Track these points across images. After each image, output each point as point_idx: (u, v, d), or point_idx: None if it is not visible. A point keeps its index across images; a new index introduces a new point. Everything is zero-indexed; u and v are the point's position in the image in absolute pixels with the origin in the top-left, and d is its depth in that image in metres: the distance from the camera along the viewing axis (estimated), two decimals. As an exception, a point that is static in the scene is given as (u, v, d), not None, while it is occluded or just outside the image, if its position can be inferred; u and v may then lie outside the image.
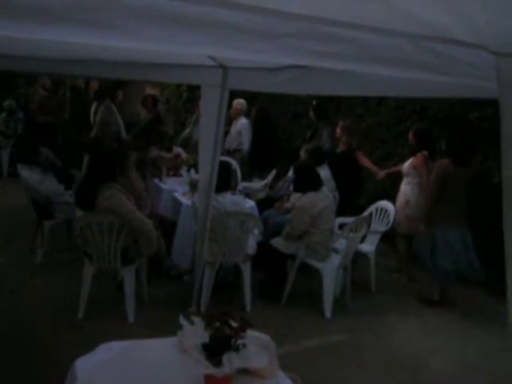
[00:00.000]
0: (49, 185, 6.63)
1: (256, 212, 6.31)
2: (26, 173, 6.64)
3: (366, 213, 6.51)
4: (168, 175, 7.40)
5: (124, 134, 9.95)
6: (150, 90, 13.50)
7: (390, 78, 3.11)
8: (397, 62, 2.14)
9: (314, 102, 8.26)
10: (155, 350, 2.84)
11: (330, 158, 7.10)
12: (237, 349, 2.43)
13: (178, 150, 8.30)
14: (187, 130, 9.96)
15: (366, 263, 6.28)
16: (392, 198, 6.74)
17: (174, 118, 13.65)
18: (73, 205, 6.10)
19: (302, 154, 7.17)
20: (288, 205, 6.53)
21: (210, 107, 4.93)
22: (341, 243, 5.75)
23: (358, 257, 6.24)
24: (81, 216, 5.15)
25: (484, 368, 4.80)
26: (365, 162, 7.52)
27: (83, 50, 3.53)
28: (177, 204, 6.44)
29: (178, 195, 6.57)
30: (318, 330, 5.29)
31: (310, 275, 6.00)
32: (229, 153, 8.56)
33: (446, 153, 5.98)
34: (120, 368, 2.65)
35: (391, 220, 6.29)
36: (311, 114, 8.35)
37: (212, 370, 2.36)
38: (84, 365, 2.62)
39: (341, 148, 7.52)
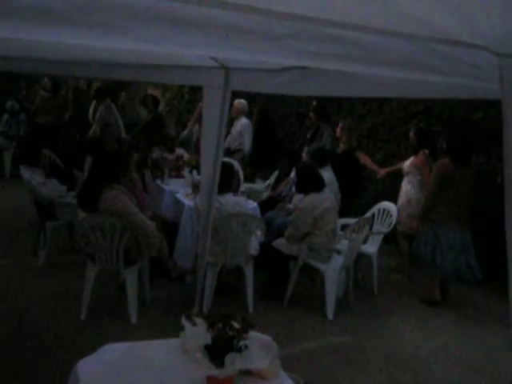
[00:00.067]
0: (51, 186, 6.64)
1: (258, 213, 6.31)
2: (29, 174, 6.66)
3: (368, 214, 6.51)
4: (170, 176, 7.41)
5: (124, 134, 9.97)
6: (152, 91, 13.53)
7: (392, 79, 3.11)
8: (399, 63, 2.14)
9: (314, 103, 8.26)
10: (157, 352, 2.84)
11: (331, 158, 7.11)
12: (239, 350, 2.43)
13: (180, 151, 8.30)
14: (186, 131, 9.98)
15: (368, 264, 6.28)
16: (393, 199, 6.75)
17: (175, 119, 13.68)
18: (75, 206, 6.11)
19: (304, 155, 7.17)
20: (290, 206, 6.54)
21: (212, 108, 4.92)
22: (343, 244, 5.74)
23: (361, 258, 6.24)
24: (83, 217, 5.16)
25: (485, 368, 4.80)
26: (366, 160, 7.55)
27: (84, 52, 3.52)
28: (179, 205, 6.44)
29: (180, 196, 6.57)
30: (320, 331, 5.28)
31: (313, 276, 6.01)
32: (229, 152, 8.57)
33: (446, 152, 5.99)
34: (122, 369, 2.64)
35: (393, 221, 6.29)
36: (311, 114, 8.35)
37: (214, 371, 2.36)
38: (86, 366, 2.62)
39: (341, 148, 7.54)
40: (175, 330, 2.71)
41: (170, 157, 7.88)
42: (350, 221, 5.99)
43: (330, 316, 5.53)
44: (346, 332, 5.32)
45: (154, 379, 2.59)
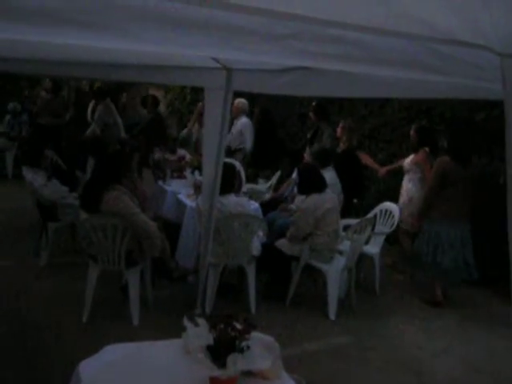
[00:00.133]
0: (53, 187, 6.64)
1: (260, 214, 6.30)
2: (31, 175, 6.66)
3: (370, 214, 6.50)
4: (172, 177, 7.41)
5: (123, 134, 9.99)
6: (153, 92, 13.52)
7: (394, 80, 3.11)
8: (401, 63, 2.14)
9: (314, 103, 8.27)
10: (160, 352, 2.84)
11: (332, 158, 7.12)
12: (241, 350, 2.42)
13: (181, 151, 8.30)
14: (185, 130, 9.98)
15: (370, 265, 6.27)
16: (395, 199, 6.75)
17: (177, 120, 13.68)
18: (77, 207, 6.11)
19: (306, 155, 7.18)
20: (292, 207, 6.53)
21: (213, 109, 4.93)
22: (345, 245, 5.74)
23: (363, 258, 6.23)
24: (85, 218, 5.16)
25: (488, 369, 4.79)
26: (366, 159, 7.57)
27: (86, 53, 3.53)
28: (181, 206, 6.44)
29: (182, 197, 6.57)
30: (322, 332, 5.28)
31: (315, 277, 6.00)
32: (230, 152, 8.56)
33: (447, 150, 6.02)
34: (124, 370, 2.64)
35: (396, 221, 6.28)
36: (311, 114, 8.35)
37: (216, 372, 2.35)
38: (88, 367, 2.62)
39: (341, 147, 7.54)
40: (177, 331, 2.71)
41: (172, 158, 7.88)
42: (352, 221, 5.98)
43: (332, 316, 5.53)
44: (347, 332, 5.31)
45: (155, 380, 2.59)
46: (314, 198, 5.64)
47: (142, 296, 5.19)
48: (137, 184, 5.41)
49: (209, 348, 2.43)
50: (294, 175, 7.09)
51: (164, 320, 4.97)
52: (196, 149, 8.82)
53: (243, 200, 5.83)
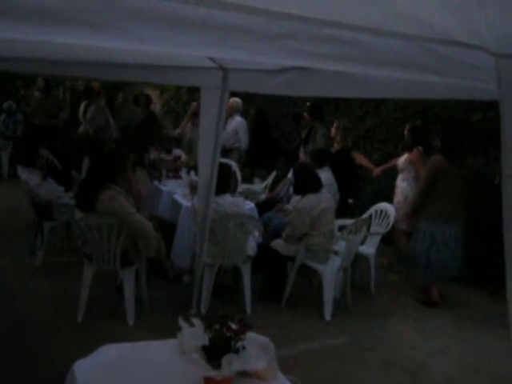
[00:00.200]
0: (49, 187, 6.63)
1: (256, 214, 6.31)
2: (26, 175, 6.64)
3: (365, 215, 6.51)
4: (168, 177, 7.40)
5: (115, 134, 10.00)
6: (149, 92, 13.50)
7: (391, 80, 3.11)
8: (397, 63, 2.14)
9: (308, 103, 8.28)
10: (155, 353, 2.83)
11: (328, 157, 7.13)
12: (236, 351, 2.42)
13: (177, 151, 8.29)
14: (178, 130, 9.98)
15: (366, 265, 6.28)
16: (391, 200, 6.77)
17: (173, 120, 13.66)
18: (72, 206, 6.10)
19: (301, 155, 7.18)
20: (288, 207, 6.53)
21: (209, 109, 4.92)
22: (341, 245, 5.74)
23: (358, 259, 6.24)
24: (80, 217, 5.15)
25: (484, 369, 4.80)
26: (361, 159, 7.59)
27: (82, 52, 3.52)
28: (176, 206, 6.44)
29: (177, 197, 6.56)
30: (318, 332, 5.28)
31: (310, 277, 6.01)
32: (225, 151, 8.55)
33: (440, 150, 6.06)
34: (119, 370, 2.64)
35: (391, 222, 6.29)
36: (305, 114, 8.37)
37: (211, 373, 2.35)
38: (83, 367, 2.62)
39: (336, 147, 7.56)
40: (172, 331, 2.71)
41: (168, 157, 7.87)
42: (348, 222, 5.99)
43: (328, 317, 5.53)
44: (343, 333, 5.32)
45: (150, 380, 2.58)
46: (310, 198, 5.65)
47: (137, 296, 5.18)
48: (132, 183, 5.40)
49: (204, 348, 2.42)
50: (290, 175, 7.09)
51: (159, 320, 4.96)
52: (190, 149, 8.82)
53: (239, 200, 5.83)
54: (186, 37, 1.92)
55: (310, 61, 2.54)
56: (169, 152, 8.07)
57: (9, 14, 1.65)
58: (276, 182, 8.17)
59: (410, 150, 6.70)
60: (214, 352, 2.39)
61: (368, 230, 6.18)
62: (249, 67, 4.23)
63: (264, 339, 2.71)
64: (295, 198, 6.19)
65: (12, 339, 4.63)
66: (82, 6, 1.64)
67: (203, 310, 5.30)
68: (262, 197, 7.72)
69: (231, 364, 2.35)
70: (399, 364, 4.79)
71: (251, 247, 5.60)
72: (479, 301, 6.33)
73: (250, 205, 6.38)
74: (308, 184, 5.76)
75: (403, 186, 6.69)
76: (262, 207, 6.81)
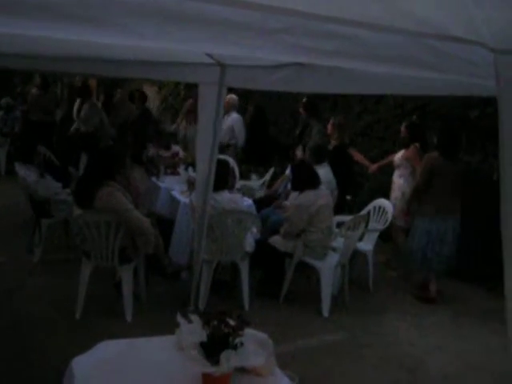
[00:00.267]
0: (46, 183, 6.62)
1: (254, 210, 6.31)
2: (24, 172, 6.63)
3: (363, 211, 6.51)
4: (166, 173, 7.40)
5: (111, 131, 10.01)
6: (148, 89, 13.50)
7: (388, 76, 3.10)
8: (395, 59, 2.14)
9: (304, 99, 8.28)
10: (153, 349, 2.83)
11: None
12: (234, 347, 2.42)
13: (175, 148, 8.29)
14: (174, 126, 9.98)
15: (363, 261, 6.28)
16: (389, 196, 6.77)
17: (171, 117, 13.65)
18: (70, 203, 6.09)
19: (299, 152, 7.18)
20: (287, 203, 6.53)
21: (207, 105, 4.91)
22: (339, 241, 5.74)
23: (356, 255, 6.24)
24: (78, 214, 5.14)
25: (482, 365, 4.81)
26: (357, 156, 7.60)
27: (81, 48, 3.51)
28: (174, 202, 6.44)
29: (175, 193, 6.56)
30: (316, 329, 5.28)
31: (308, 274, 6.01)
32: (222, 147, 8.55)
33: (436, 147, 6.08)
34: (117, 366, 2.64)
35: (389, 218, 6.29)
36: (301, 110, 8.37)
37: (210, 369, 2.35)
38: (81, 363, 2.62)
39: (333, 144, 7.56)
40: (171, 328, 2.71)
41: (166, 154, 7.86)
42: (346, 218, 5.99)
43: (326, 313, 5.53)
44: (341, 329, 5.32)
45: (148, 376, 2.58)
46: (308, 195, 5.65)
47: (135, 292, 5.18)
48: (130, 180, 5.40)
49: (202, 345, 2.42)
50: (288, 171, 7.09)
51: (157, 316, 4.96)
52: (184, 146, 8.82)
53: (237, 196, 5.83)
54: (185, 32, 1.91)
55: (307, 56, 2.53)
56: (167, 148, 8.07)
57: (9, 9, 1.64)
58: (274, 178, 8.17)
59: (406, 146, 6.71)
60: (212, 348, 2.40)
61: (366, 226, 6.18)
62: (246, 63, 4.23)
63: (262, 335, 2.71)
64: (293, 195, 6.19)
65: (10, 336, 4.63)
66: (81, 1, 1.64)
67: (201, 307, 5.30)
68: (260, 193, 7.71)
69: (229, 360, 2.35)
70: (397, 360, 4.80)
71: (249, 243, 5.60)
72: (477, 297, 6.33)
73: (247, 201, 6.38)
74: (306, 180, 5.76)
75: (400, 182, 6.70)
76: (260, 203, 6.81)
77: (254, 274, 5.77)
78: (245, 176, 8.39)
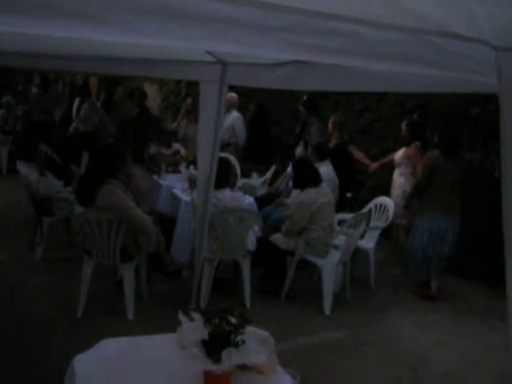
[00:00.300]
0: (48, 182, 6.62)
1: (255, 208, 6.31)
2: (25, 170, 6.63)
3: (365, 209, 6.51)
4: (167, 171, 7.40)
5: (111, 129, 10.01)
6: (148, 87, 13.49)
7: (390, 73, 3.10)
8: (396, 56, 2.13)
9: (305, 97, 8.28)
10: (154, 347, 2.84)
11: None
12: (236, 345, 2.42)
13: (177, 146, 8.28)
14: (175, 124, 9.97)
15: (365, 259, 6.28)
16: (389, 194, 6.77)
17: (172, 114, 13.65)
18: (72, 201, 6.09)
19: (300, 150, 7.18)
20: (288, 201, 6.53)
21: (208, 103, 4.91)
22: (340, 239, 5.74)
23: (358, 253, 6.24)
24: (79, 213, 5.14)
25: (483, 363, 4.81)
26: (358, 154, 7.60)
27: (82, 46, 3.51)
28: (176, 200, 6.43)
29: (177, 191, 6.56)
30: (317, 327, 5.29)
31: (310, 272, 6.01)
32: (222, 146, 8.53)
33: (437, 145, 6.08)
34: (119, 364, 2.64)
35: (390, 216, 6.29)
36: (301, 108, 8.37)
37: (211, 367, 2.35)
38: (83, 362, 2.62)
39: (333, 142, 7.56)
40: (172, 326, 2.71)
41: (167, 152, 7.86)
42: (347, 216, 5.99)
43: (327, 311, 5.54)
44: (342, 327, 5.32)
45: (150, 374, 2.58)
46: (309, 193, 5.65)
47: (136, 290, 5.19)
48: (131, 178, 5.40)
49: (204, 342, 2.42)
50: (289, 169, 7.09)
51: (159, 314, 4.96)
52: (185, 144, 8.82)
53: (238, 195, 5.83)
54: (186, 30, 1.91)
55: (308, 54, 2.54)
56: (168, 146, 8.07)
57: (10, 7, 1.64)
58: (275, 176, 8.17)
59: (407, 144, 6.71)
60: (214, 346, 2.40)
61: (367, 224, 6.18)
62: (247, 61, 4.22)
63: (263, 333, 2.71)
64: (295, 193, 6.19)
65: (12, 334, 4.64)
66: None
67: (203, 305, 5.30)
68: (261, 191, 7.71)
69: (231, 358, 2.35)
70: (398, 358, 4.80)
71: (251, 242, 5.60)
72: (478, 295, 6.33)
73: (249, 199, 6.38)
74: (307, 178, 5.76)
75: (401, 180, 6.70)
76: (262, 201, 6.81)
77: (255, 272, 5.77)
78: (246, 174, 8.39)
